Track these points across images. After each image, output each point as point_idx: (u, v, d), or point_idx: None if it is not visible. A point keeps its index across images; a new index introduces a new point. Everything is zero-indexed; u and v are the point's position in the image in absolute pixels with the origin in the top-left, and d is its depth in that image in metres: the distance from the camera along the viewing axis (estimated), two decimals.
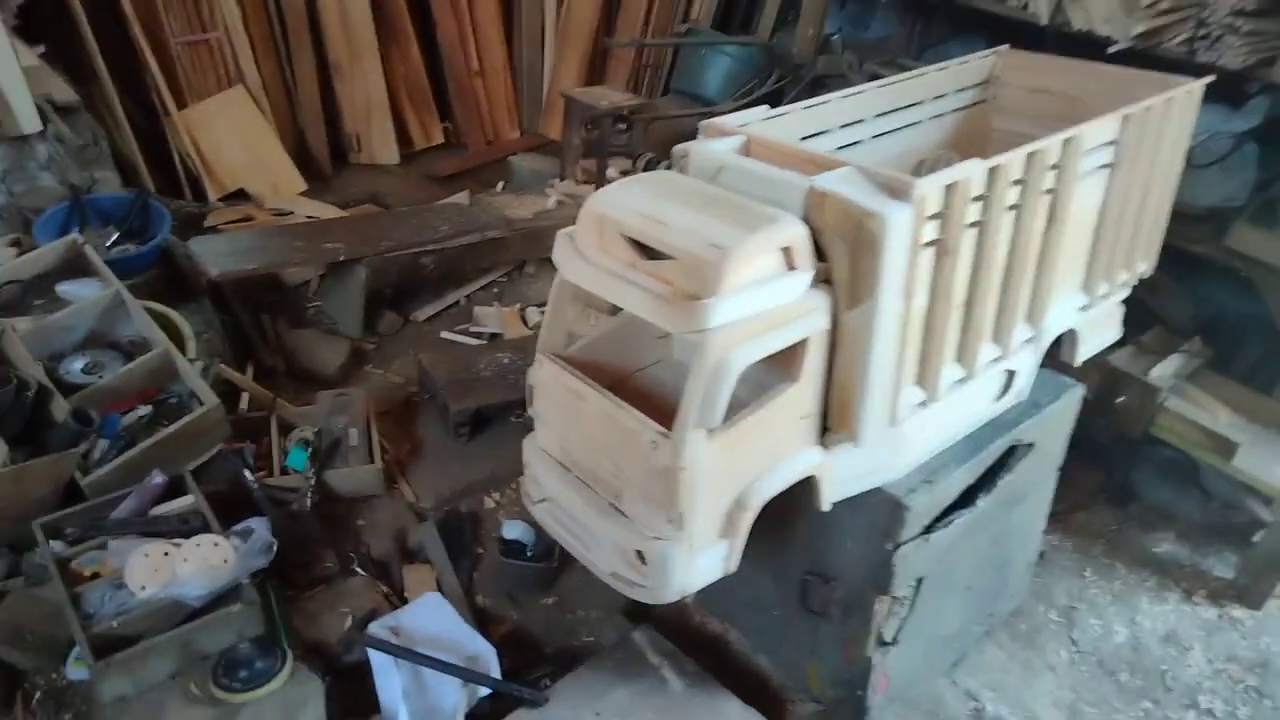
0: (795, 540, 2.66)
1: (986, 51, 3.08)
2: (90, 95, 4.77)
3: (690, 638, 3.12)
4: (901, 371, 2.13)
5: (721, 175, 2.12)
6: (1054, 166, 2.28)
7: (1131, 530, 3.71)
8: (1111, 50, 3.79)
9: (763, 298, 1.85)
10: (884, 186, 1.95)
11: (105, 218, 3.86)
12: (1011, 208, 2.23)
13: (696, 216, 1.90)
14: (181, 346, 3.28)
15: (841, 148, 2.68)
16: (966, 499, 2.60)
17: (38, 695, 2.59)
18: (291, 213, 4.92)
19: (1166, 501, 3.83)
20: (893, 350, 2.04)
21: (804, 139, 2.57)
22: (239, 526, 2.72)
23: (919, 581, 2.57)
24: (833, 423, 2.14)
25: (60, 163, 4.00)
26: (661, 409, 1.96)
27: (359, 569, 3.01)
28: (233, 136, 5.10)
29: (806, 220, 1.96)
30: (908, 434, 2.32)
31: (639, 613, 3.17)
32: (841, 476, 2.27)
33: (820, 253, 1.97)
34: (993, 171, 2.09)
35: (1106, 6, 3.86)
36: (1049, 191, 2.32)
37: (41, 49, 4.56)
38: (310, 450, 3.21)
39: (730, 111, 2.74)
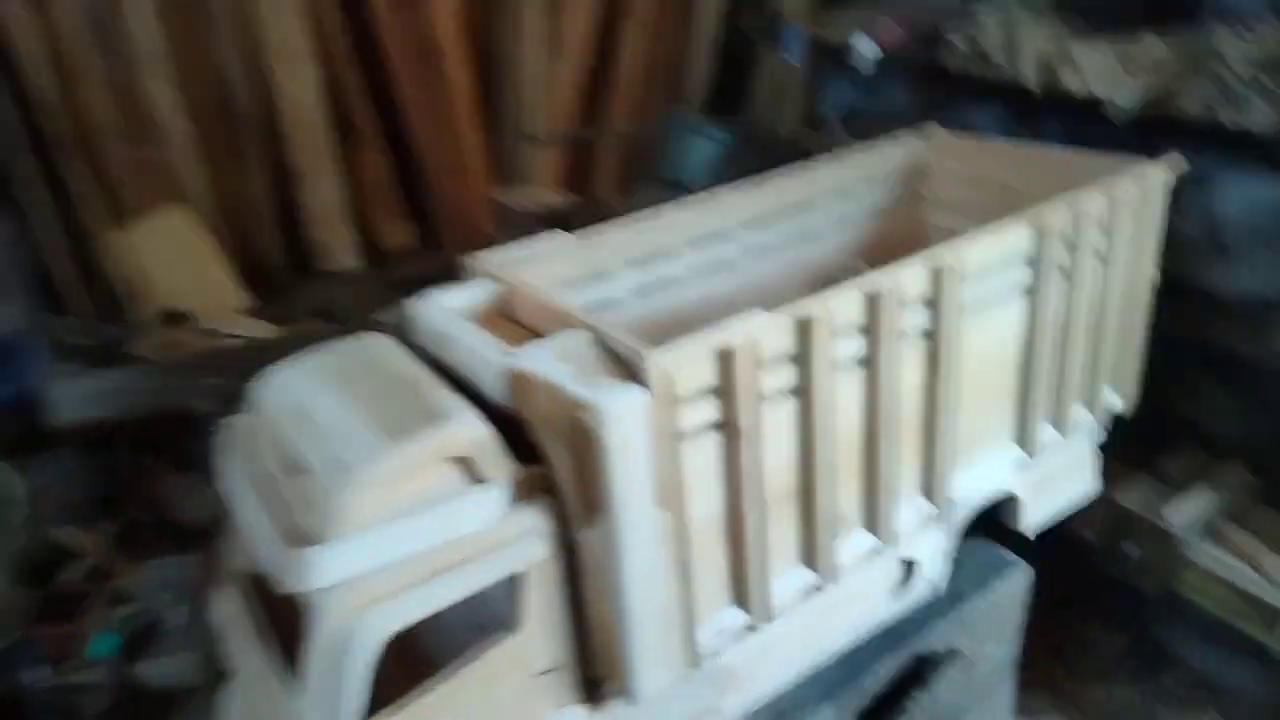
0: None
1: (905, 135, 2.49)
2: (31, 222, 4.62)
3: None
4: (695, 594, 1.54)
5: (444, 345, 1.59)
6: (924, 303, 1.68)
7: (1159, 709, 2.91)
8: (1116, 118, 3.13)
9: (423, 531, 1.31)
10: (619, 360, 1.39)
11: None
12: (860, 361, 1.63)
13: (349, 412, 1.38)
14: (8, 512, 2.90)
15: (702, 271, 2.14)
16: None
17: None
18: (222, 333, 4.60)
19: (1210, 670, 3.01)
20: (660, 573, 1.46)
21: (632, 264, 2.04)
22: None
23: None
24: (600, 671, 1.55)
25: None
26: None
27: None
28: (170, 255, 4.86)
29: (516, 410, 1.42)
30: (737, 666, 1.70)
31: None
32: None
33: (536, 453, 1.41)
34: (802, 325, 1.50)
35: (1101, 64, 3.22)
36: (923, 334, 1.70)
37: None
38: (122, 634, 2.75)
39: None
